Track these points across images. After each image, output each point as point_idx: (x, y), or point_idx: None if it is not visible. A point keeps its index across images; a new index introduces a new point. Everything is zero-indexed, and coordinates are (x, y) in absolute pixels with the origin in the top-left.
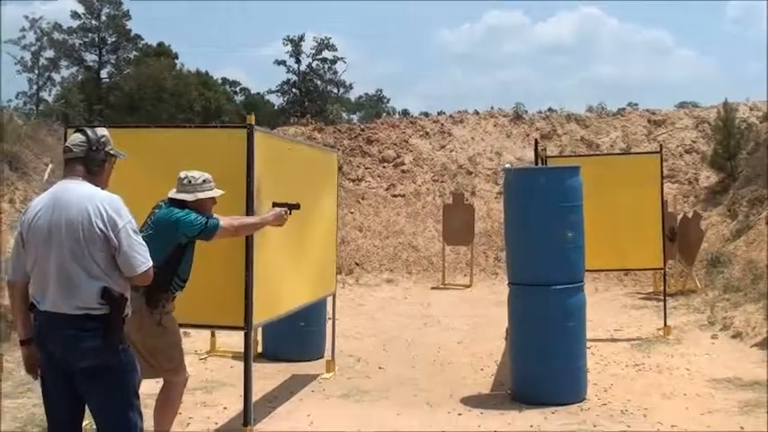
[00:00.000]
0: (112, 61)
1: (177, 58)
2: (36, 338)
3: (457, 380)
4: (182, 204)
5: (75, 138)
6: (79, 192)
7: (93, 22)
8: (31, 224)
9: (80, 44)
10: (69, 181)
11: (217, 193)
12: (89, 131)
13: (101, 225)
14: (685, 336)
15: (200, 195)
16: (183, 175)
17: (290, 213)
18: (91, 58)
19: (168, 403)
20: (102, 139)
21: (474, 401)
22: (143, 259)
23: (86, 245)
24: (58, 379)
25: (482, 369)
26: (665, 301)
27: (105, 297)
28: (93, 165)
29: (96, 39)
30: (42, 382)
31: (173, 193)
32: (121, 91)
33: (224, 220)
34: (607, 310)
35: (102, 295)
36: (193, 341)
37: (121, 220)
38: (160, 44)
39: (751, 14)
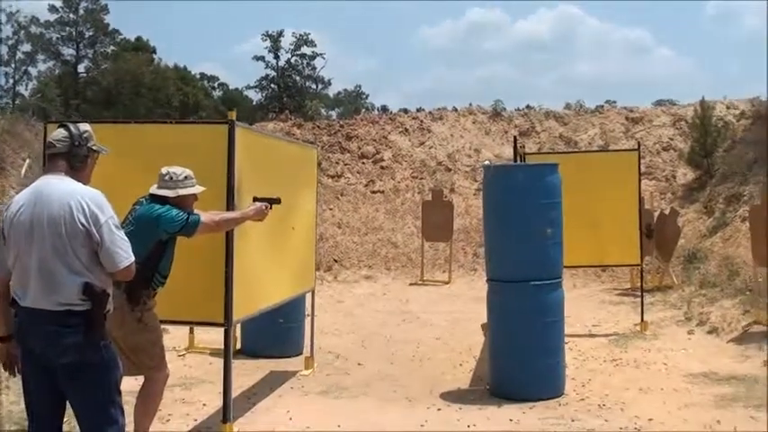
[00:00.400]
0: (90, 56)
1: (155, 52)
2: (17, 334)
3: (436, 375)
4: (163, 200)
5: (58, 133)
6: (61, 187)
7: (71, 15)
8: (13, 219)
9: (57, 38)
10: (51, 176)
11: (198, 189)
12: (72, 127)
13: (83, 220)
14: (662, 331)
15: (182, 192)
16: (164, 171)
17: (271, 208)
18: (68, 52)
19: (149, 400)
20: (85, 135)
21: (453, 397)
22: (125, 255)
23: (68, 240)
24: (39, 375)
25: (461, 364)
26: (642, 296)
27: (87, 293)
28: (75, 160)
29: (74, 33)
30: (23, 378)
31: (154, 189)
32: (99, 86)
33: (205, 216)
34: (585, 306)
35: (83, 291)
36: (171, 338)
37: (104, 216)
38: (138, 39)
39: (730, 13)
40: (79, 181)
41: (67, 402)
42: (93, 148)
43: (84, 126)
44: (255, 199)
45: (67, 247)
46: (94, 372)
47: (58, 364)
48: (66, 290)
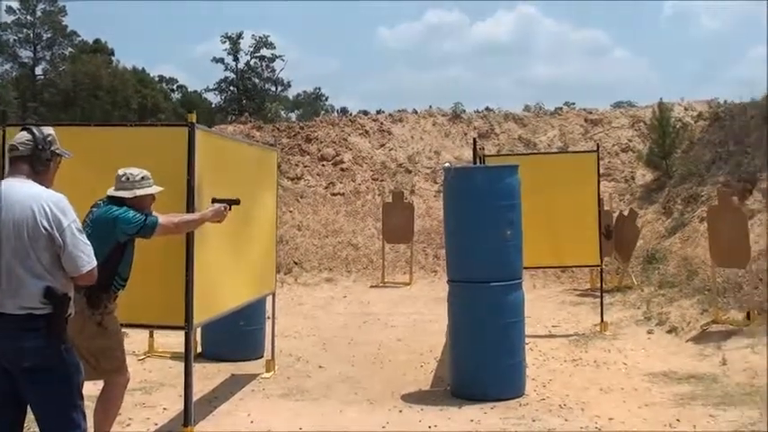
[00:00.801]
0: (47, 58)
1: (113, 54)
2: None
3: (397, 377)
4: (120, 202)
5: (22, 136)
6: (24, 191)
7: (29, 17)
8: None
9: (14, 40)
10: (14, 179)
11: (156, 189)
12: (35, 130)
13: (45, 224)
14: (622, 331)
15: (139, 192)
16: (121, 172)
17: (230, 209)
18: (26, 54)
19: (109, 404)
20: (49, 138)
21: (414, 398)
22: (87, 259)
23: (31, 244)
24: (1, 379)
25: (422, 366)
26: (601, 297)
27: (48, 296)
28: (38, 164)
29: (31, 35)
30: None
31: (111, 191)
32: (56, 88)
33: (163, 218)
34: (545, 307)
35: (45, 294)
36: (131, 341)
37: (66, 220)
38: (96, 41)
39: (686, 14)
40: (42, 184)
41: (29, 407)
42: (57, 151)
43: (48, 129)
44: (214, 200)
45: (29, 251)
46: (56, 375)
47: (19, 367)
48: (28, 293)
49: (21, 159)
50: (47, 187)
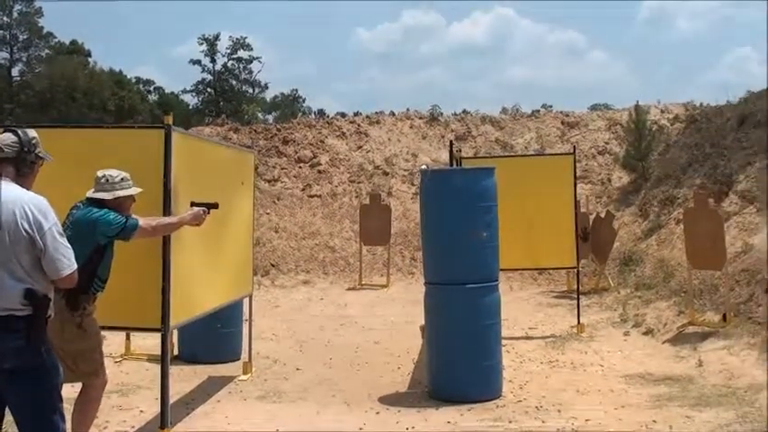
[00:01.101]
0: (24, 59)
1: (90, 56)
2: None
3: (374, 379)
4: (100, 204)
5: (7, 138)
6: (6, 193)
7: (5, 18)
8: None
9: None
10: None
11: (135, 190)
12: (20, 132)
13: (26, 227)
14: (598, 333)
15: (120, 193)
16: (100, 174)
17: (209, 213)
18: (1, 55)
19: (87, 407)
20: (33, 141)
21: (391, 400)
22: (68, 262)
23: (12, 246)
24: None
25: (399, 368)
26: (578, 299)
27: (29, 298)
28: (23, 166)
29: (7, 36)
30: None
31: (90, 193)
32: (33, 90)
33: (143, 221)
34: (522, 309)
35: (25, 296)
36: (108, 344)
37: (47, 223)
38: (73, 42)
39: (662, 16)
40: (23, 186)
41: (7, 409)
42: (40, 154)
43: (32, 132)
44: (193, 204)
45: (10, 254)
46: (36, 377)
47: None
48: (8, 295)
49: (5, 161)
50: (27, 189)
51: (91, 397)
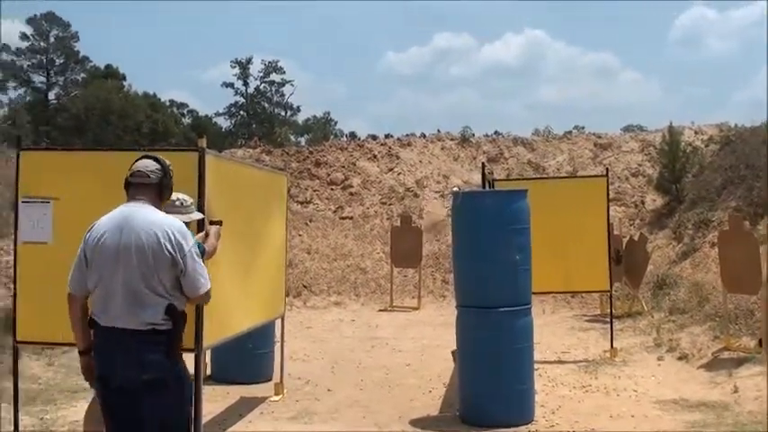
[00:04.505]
0: (60, 83)
1: (125, 79)
2: (95, 352)
3: (405, 402)
4: None
5: (149, 164)
6: (147, 216)
7: (42, 43)
8: (96, 245)
9: (28, 65)
10: (135, 204)
11: (199, 215)
12: (161, 159)
13: (170, 248)
14: (632, 357)
15: (194, 217)
16: (175, 197)
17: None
18: (39, 79)
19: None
20: (171, 167)
21: (423, 423)
22: (204, 281)
23: (155, 266)
24: (116, 397)
25: (430, 391)
26: (611, 323)
27: (169, 313)
28: (166, 191)
29: (44, 60)
30: (102, 405)
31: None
32: (69, 113)
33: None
34: (554, 332)
35: (166, 312)
36: None
37: (187, 245)
38: (108, 66)
39: (694, 37)
40: (159, 209)
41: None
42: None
43: (167, 160)
44: (211, 222)
45: (153, 273)
46: (172, 389)
47: (138, 380)
48: (152, 310)
49: (148, 186)
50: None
51: None
